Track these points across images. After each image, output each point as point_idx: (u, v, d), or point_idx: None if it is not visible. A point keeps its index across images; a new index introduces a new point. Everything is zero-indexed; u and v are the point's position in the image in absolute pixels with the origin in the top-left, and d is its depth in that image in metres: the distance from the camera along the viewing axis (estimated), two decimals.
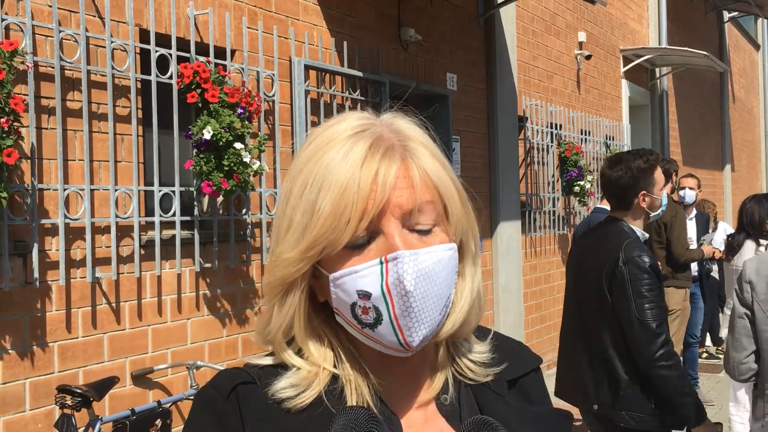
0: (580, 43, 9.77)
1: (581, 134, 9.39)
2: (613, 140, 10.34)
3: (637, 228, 3.46)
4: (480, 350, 1.16)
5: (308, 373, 1.06)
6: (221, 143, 4.22)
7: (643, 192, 3.42)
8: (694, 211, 7.37)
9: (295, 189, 1.03)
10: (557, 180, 8.73)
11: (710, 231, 7.79)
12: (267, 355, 1.12)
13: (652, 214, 3.50)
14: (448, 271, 1.04)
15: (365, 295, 1.00)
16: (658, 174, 3.49)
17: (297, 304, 1.05)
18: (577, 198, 8.85)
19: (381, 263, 0.99)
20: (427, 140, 1.08)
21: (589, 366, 3.41)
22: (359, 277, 1.00)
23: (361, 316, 1.01)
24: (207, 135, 4.17)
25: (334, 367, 1.07)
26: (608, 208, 3.74)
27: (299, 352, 1.08)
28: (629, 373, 3.24)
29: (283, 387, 1.04)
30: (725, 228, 8.50)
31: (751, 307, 2.81)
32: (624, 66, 11.36)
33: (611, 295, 3.27)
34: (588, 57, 9.78)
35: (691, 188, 7.31)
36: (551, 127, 8.67)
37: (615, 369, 3.29)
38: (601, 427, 3.42)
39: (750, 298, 2.82)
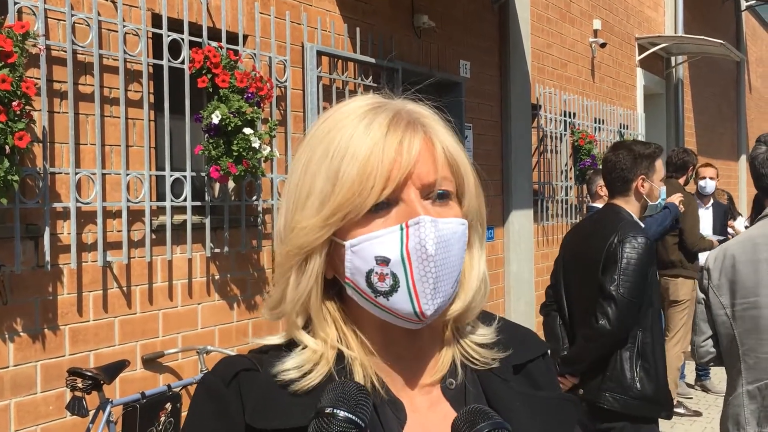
0: (595, 31, 9.69)
1: (595, 123, 9.32)
2: (627, 129, 10.27)
3: (634, 215, 3.46)
4: (484, 332, 1.15)
5: (313, 353, 1.05)
6: (230, 128, 4.21)
7: (642, 176, 3.44)
8: (712, 201, 7.27)
9: (315, 158, 1.04)
10: (570, 168, 8.69)
11: (730, 219, 7.69)
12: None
13: (650, 203, 3.50)
14: (460, 246, 1.05)
15: (384, 261, 1.00)
16: (659, 164, 3.52)
17: (316, 274, 1.05)
18: None
19: (402, 229, 1.00)
20: (443, 121, 1.11)
21: None
22: (378, 242, 1.00)
23: (376, 284, 1.01)
24: (216, 120, 4.17)
25: (340, 344, 1.06)
26: (600, 206, 3.72)
27: (307, 330, 1.08)
28: (615, 355, 3.26)
29: (286, 369, 1.03)
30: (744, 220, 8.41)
31: (707, 293, 2.84)
32: (639, 54, 11.26)
33: (604, 274, 3.28)
34: (603, 45, 9.69)
35: (711, 178, 7.22)
36: (565, 116, 8.61)
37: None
38: (585, 412, 3.41)
39: (706, 284, 2.87)
